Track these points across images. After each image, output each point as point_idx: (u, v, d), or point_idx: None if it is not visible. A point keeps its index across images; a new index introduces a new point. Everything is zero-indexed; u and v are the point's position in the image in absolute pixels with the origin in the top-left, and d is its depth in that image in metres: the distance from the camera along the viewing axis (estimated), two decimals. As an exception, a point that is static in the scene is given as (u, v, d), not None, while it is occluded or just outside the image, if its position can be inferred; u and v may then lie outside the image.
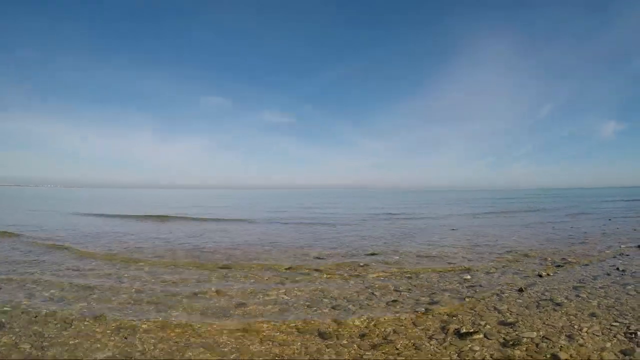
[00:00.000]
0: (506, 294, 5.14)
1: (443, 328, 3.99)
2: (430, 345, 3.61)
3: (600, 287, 5.37)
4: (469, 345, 3.54)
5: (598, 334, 3.71)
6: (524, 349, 3.43)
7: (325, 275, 6.43)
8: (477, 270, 6.63)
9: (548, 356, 3.28)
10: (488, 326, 3.99)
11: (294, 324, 4.19)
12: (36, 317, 4.37)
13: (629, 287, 5.36)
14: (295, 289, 5.61)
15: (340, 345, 3.66)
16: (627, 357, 3.24)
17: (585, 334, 3.71)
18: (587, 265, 6.93)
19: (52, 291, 5.44)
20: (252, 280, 6.12)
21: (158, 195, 79.09)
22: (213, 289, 5.57)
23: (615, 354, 3.29)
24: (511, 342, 3.55)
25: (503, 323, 4.06)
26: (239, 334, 3.93)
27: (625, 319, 4.09)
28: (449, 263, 7.39)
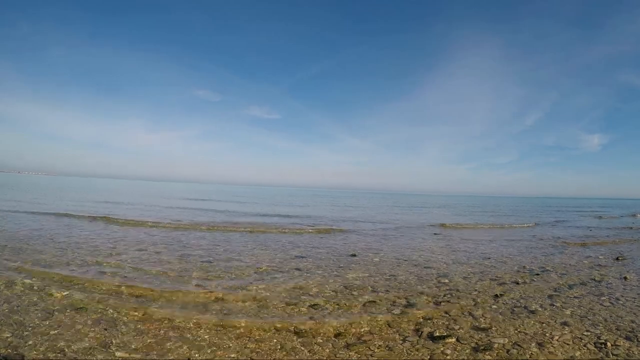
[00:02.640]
0: (482, 300, 5.18)
1: (417, 330, 4.00)
2: (403, 347, 3.61)
3: (575, 297, 5.45)
4: (441, 349, 3.56)
5: (569, 342, 3.76)
6: (495, 354, 3.45)
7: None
8: (455, 275, 6.68)
9: (517, 362, 3.31)
10: (461, 330, 4.01)
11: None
12: None
13: (603, 297, 5.44)
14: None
15: (315, 343, 3.65)
16: (594, 367, 3.28)
17: (556, 342, 3.75)
18: (564, 274, 7.02)
19: None
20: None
21: (124, 186, 78.41)
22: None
23: (583, 363, 3.34)
24: (482, 347, 3.57)
25: (476, 328, 4.09)
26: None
27: (597, 329, 4.14)
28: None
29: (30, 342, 3.39)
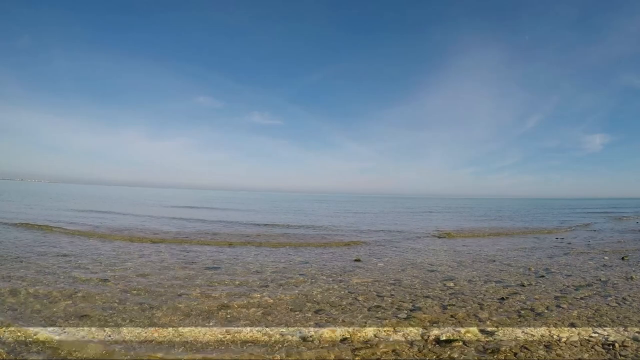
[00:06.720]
0: (488, 303, 5.15)
1: (423, 334, 3.98)
2: (410, 351, 3.59)
3: (581, 298, 5.41)
4: (448, 353, 3.54)
5: (576, 344, 3.73)
6: (502, 357, 3.43)
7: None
8: (460, 278, 6.65)
9: (525, 365, 3.29)
10: (468, 334, 3.99)
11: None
12: None
13: (610, 298, 5.41)
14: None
15: (321, 349, 3.64)
16: (603, 368, 3.26)
17: (564, 344, 3.73)
18: (569, 275, 6.99)
19: None
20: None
21: (122, 193, 78.60)
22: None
23: (591, 365, 3.32)
24: (490, 351, 3.55)
25: (483, 331, 4.06)
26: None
27: (605, 330, 4.11)
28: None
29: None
